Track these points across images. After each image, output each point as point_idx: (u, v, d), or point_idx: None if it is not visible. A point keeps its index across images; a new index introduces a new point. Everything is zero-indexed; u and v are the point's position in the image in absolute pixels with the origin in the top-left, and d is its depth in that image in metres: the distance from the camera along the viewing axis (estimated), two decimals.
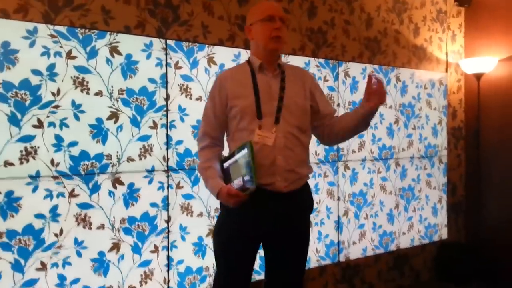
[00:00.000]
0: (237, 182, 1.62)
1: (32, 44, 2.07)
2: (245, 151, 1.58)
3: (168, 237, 2.45)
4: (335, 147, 3.14)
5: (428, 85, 3.74)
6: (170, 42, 2.47)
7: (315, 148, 3.06)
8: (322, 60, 3.09)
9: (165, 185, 2.43)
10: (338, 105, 3.17)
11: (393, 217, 3.50)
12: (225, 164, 1.72)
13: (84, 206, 2.20)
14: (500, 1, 3.69)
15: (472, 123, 3.91)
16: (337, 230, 3.16)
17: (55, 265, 2.12)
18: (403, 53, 3.59)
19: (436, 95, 3.79)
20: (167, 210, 2.45)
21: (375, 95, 1.60)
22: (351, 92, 3.25)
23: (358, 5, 3.33)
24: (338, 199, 3.18)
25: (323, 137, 1.86)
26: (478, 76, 3.67)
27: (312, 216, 3.02)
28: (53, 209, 2.12)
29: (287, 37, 1.65)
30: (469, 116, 3.96)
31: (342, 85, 3.20)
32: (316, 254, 3.05)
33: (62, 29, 2.15)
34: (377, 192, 3.40)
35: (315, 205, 3.04)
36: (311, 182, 3.03)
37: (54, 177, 2.12)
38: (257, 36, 1.70)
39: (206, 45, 2.59)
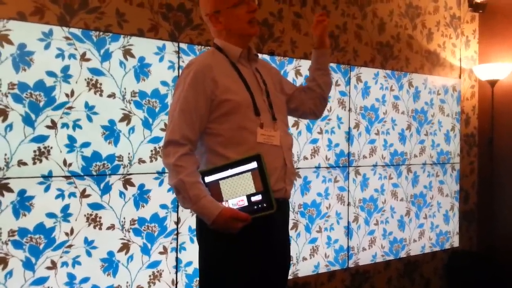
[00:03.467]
0: (235, 202, 1.35)
1: (47, 46, 2.11)
2: (253, 165, 1.32)
3: (177, 239, 2.46)
4: (345, 151, 3.13)
5: (441, 91, 3.70)
6: (182, 45, 2.49)
7: (326, 153, 3.04)
8: (334, 65, 3.08)
9: None
10: (350, 109, 3.16)
11: (404, 223, 3.46)
12: (209, 178, 1.38)
13: (95, 206, 2.22)
14: None
15: (485, 130, 3.85)
16: (347, 235, 3.14)
17: (65, 264, 2.14)
18: (416, 58, 3.57)
19: (449, 101, 3.75)
20: (177, 211, 2.46)
21: (319, 23, 1.61)
22: (363, 97, 3.23)
23: (370, 10, 3.31)
24: (348, 204, 3.15)
25: (310, 111, 1.71)
26: (492, 83, 3.62)
27: (321, 221, 3.01)
28: (65, 209, 2.15)
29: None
30: (483, 123, 3.90)
31: (354, 89, 3.18)
32: (325, 259, 3.03)
33: (77, 31, 2.19)
34: (388, 198, 3.37)
35: (325, 210, 3.03)
36: (322, 186, 3.02)
37: (66, 177, 2.15)
38: (231, 23, 1.44)
39: None
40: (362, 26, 3.27)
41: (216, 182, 1.36)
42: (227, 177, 1.35)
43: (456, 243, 3.79)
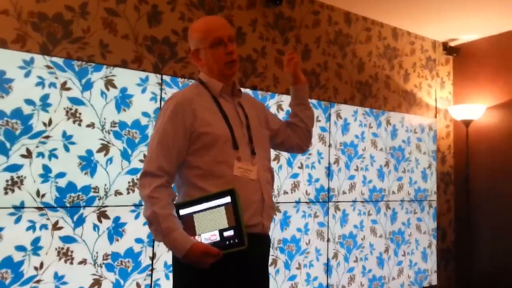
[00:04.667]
0: (207, 237, 1.33)
1: (27, 74, 2.08)
2: (227, 199, 1.31)
3: (151, 275, 2.37)
4: (325, 187, 3.13)
5: (418, 130, 3.80)
6: (166, 77, 2.51)
7: (306, 188, 3.05)
8: (314, 101, 3.14)
9: None
10: (330, 145, 3.19)
11: (383, 261, 3.45)
12: (184, 211, 1.36)
13: (67, 239, 2.13)
14: (487, 51, 3.84)
15: (461, 169, 3.95)
16: (326, 273, 3.10)
17: None
18: (393, 97, 3.68)
19: (425, 140, 3.85)
20: (153, 246, 2.38)
21: (289, 61, 1.67)
22: (343, 133, 3.28)
23: (350, 50, 3.43)
24: (328, 240, 3.13)
25: (296, 145, 1.73)
26: (467, 123, 3.75)
27: (301, 257, 2.97)
28: (35, 242, 2.05)
29: (238, 54, 1.51)
30: (458, 161, 4.01)
31: (334, 126, 3.24)
32: None
33: (59, 60, 2.18)
34: (367, 234, 3.36)
35: (304, 246, 3.00)
36: (302, 222, 3.00)
37: (39, 208, 2.07)
38: (209, 62, 1.47)
39: None
40: (342, 65, 3.38)
41: (190, 216, 1.34)
42: (201, 210, 1.33)
43: (434, 281, 3.78)
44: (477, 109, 3.68)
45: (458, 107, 3.77)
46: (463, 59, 4.04)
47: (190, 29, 1.53)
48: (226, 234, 1.31)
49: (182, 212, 1.35)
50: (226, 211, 1.31)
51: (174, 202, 1.37)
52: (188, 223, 1.34)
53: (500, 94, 3.71)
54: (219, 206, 1.31)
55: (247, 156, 1.43)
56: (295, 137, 1.71)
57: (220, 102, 1.47)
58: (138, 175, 2.26)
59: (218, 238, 1.31)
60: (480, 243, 3.74)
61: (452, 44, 4.04)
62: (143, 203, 1.36)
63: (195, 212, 1.33)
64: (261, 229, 1.43)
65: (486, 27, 3.67)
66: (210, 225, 1.32)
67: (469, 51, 3.99)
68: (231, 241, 1.31)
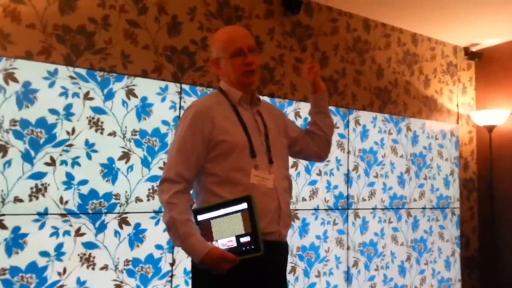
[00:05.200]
0: (224, 242, 1.35)
1: (51, 85, 2.16)
2: (243, 205, 1.33)
3: (171, 281, 2.39)
4: (344, 194, 3.11)
5: (439, 136, 3.73)
6: (185, 86, 2.55)
7: (325, 195, 3.03)
8: (333, 108, 3.13)
9: None
10: (349, 152, 3.17)
11: (404, 269, 3.38)
12: (202, 217, 1.38)
13: (89, 245, 2.18)
14: (510, 55, 3.75)
15: (484, 175, 3.85)
16: (346, 281, 3.06)
17: None
18: (413, 103, 3.63)
19: (447, 146, 3.78)
20: (172, 252, 2.41)
21: (310, 70, 1.68)
22: (361, 140, 3.25)
23: (369, 56, 3.41)
24: (348, 248, 3.10)
25: (315, 153, 1.74)
26: (490, 128, 3.66)
27: (320, 265, 2.95)
28: (58, 247, 2.11)
29: (259, 64, 1.54)
30: (482, 168, 3.91)
31: (353, 132, 3.22)
32: None
33: (82, 71, 2.24)
34: (388, 242, 3.31)
35: (323, 253, 2.97)
36: (320, 229, 2.98)
37: (62, 215, 2.13)
38: (228, 72, 1.50)
39: None
40: (360, 72, 3.36)
41: (207, 221, 1.36)
42: (218, 216, 1.35)
43: None
44: (501, 114, 3.59)
45: (480, 112, 3.69)
46: (486, 64, 3.96)
47: (212, 38, 1.57)
48: (242, 240, 1.32)
49: (200, 217, 1.37)
50: (242, 218, 1.32)
51: (192, 208, 1.39)
52: (206, 228, 1.36)
53: None
54: (235, 212, 1.33)
55: (265, 164, 1.45)
56: (313, 145, 1.72)
57: (239, 110, 1.49)
58: (158, 182, 2.30)
59: (234, 244, 1.33)
60: (505, 250, 3.63)
61: (474, 49, 3.96)
62: (162, 209, 1.38)
63: (212, 218, 1.35)
64: (278, 237, 1.45)
65: (507, 31, 3.59)
66: (227, 231, 1.34)
67: (492, 55, 3.91)
68: (248, 247, 1.32)
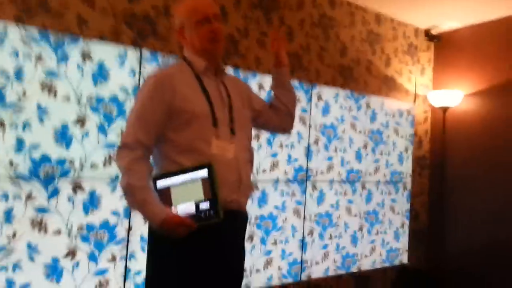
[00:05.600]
0: (183, 208, 1.36)
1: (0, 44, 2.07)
2: (204, 173, 1.35)
3: (127, 247, 2.42)
4: (304, 166, 3.20)
5: (396, 114, 3.87)
6: (145, 53, 2.50)
7: (285, 167, 3.10)
8: (296, 82, 3.17)
9: None
10: (310, 126, 3.24)
11: (356, 239, 3.55)
12: (161, 183, 1.39)
13: (41, 210, 2.16)
14: (468, 39, 3.90)
15: (437, 154, 4.05)
16: (301, 249, 3.19)
17: (3, 269, 2.06)
18: (374, 82, 3.73)
19: (403, 124, 3.93)
20: (129, 218, 2.42)
21: (274, 41, 1.73)
22: (323, 115, 3.33)
23: (333, 33, 3.45)
24: (304, 218, 3.21)
25: (279, 126, 1.78)
26: (444, 109, 3.83)
27: (277, 233, 3.05)
28: (8, 212, 2.07)
29: (224, 33, 1.54)
30: (434, 146, 4.10)
31: (315, 107, 3.28)
32: (278, 272, 3.06)
33: (34, 31, 2.16)
34: (343, 214, 3.46)
35: (281, 223, 3.08)
36: (279, 200, 3.07)
37: (12, 179, 2.09)
38: (193, 40, 1.50)
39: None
40: (325, 48, 3.40)
41: (167, 188, 1.38)
42: (178, 183, 1.37)
43: (405, 260, 3.92)
44: (455, 95, 3.75)
45: (436, 92, 3.84)
46: (444, 46, 4.10)
47: (176, 7, 1.56)
48: (201, 207, 1.35)
49: (159, 184, 1.39)
50: (203, 184, 1.35)
51: (153, 174, 1.41)
52: (165, 195, 1.37)
53: (478, 82, 3.78)
54: (196, 179, 1.35)
55: (227, 135, 1.46)
56: (277, 118, 1.75)
57: (203, 80, 1.49)
58: (115, 149, 2.28)
59: (193, 211, 1.35)
60: (453, 226, 3.87)
61: (434, 31, 4.08)
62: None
63: (172, 185, 1.37)
64: (237, 206, 1.48)
65: (467, 16, 3.72)
66: (187, 198, 1.36)
67: (451, 38, 4.05)
68: (207, 214, 1.35)
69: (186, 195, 1.36)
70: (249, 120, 1.63)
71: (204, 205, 1.35)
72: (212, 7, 1.51)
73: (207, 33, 1.48)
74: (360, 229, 3.59)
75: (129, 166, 1.36)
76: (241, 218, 1.54)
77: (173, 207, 1.37)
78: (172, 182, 1.37)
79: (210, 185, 1.35)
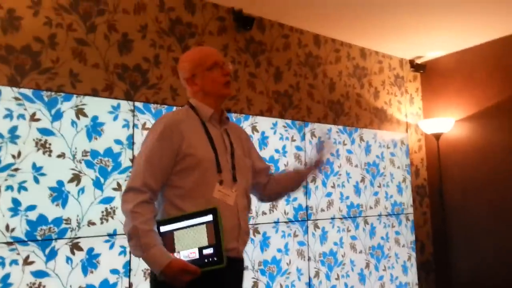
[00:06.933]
0: (186, 254, 1.35)
1: None
2: (209, 218, 1.34)
3: None
4: (303, 205, 3.15)
5: (391, 145, 3.89)
6: (138, 104, 2.51)
7: (284, 207, 3.06)
8: (289, 121, 3.19)
9: (127, 250, 2.34)
10: (306, 164, 3.22)
11: (364, 277, 3.45)
12: (164, 228, 1.38)
13: (39, 274, 2.07)
14: (453, 66, 4.00)
15: (434, 181, 4.04)
16: None
17: None
18: (365, 114, 3.77)
19: (398, 154, 3.94)
20: (129, 276, 2.33)
21: (322, 158, 1.77)
22: (318, 152, 3.32)
23: (321, 71, 3.52)
24: (309, 259, 3.13)
25: (263, 195, 1.77)
26: (437, 136, 3.87)
27: (282, 278, 2.95)
28: (5, 278, 1.98)
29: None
30: (432, 174, 4.10)
31: (309, 144, 3.29)
32: None
33: (28, 91, 2.16)
34: (347, 251, 3.38)
35: (285, 266, 2.99)
36: (281, 242, 3.00)
37: (8, 243, 2.01)
38: (207, 85, 1.54)
39: (174, 107, 2.65)
40: (314, 86, 3.45)
41: (170, 233, 1.36)
42: (182, 228, 1.36)
43: None
44: (446, 123, 3.80)
45: (428, 121, 3.89)
46: (430, 75, 4.20)
47: (182, 59, 1.60)
48: (205, 252, 1.33)
49: (163, 229, 1.37)
50: (207, 229, 1.34)
51: (156, 219, 1.39)
52: (168, 240, 1.36)
53: (468, 107, 3.85)
54: (200, 224, 1.35)
55: (229, 181, 1.48)
56: (269, 188, 1.75)
57: (208, 127, 1.53)
58: (112, 204, 2.24)
59: (197, 256, 1.33)
60: (457, 253, 3.80)
61: (418, 61, 4.19)
62: (124, 218, 1.37)
63: (175, 229, 1.36)
64: (236, 253, 1.47)
65: (450, 44, 3.84)
66: (190, 243, 1.35)
67: (436, 67, 4.15)
68: (210, 259, 1.33)
69: (190, 240, 1.35)
70: (250, 168, 1.64)
71: (208, 250, 1.34)
72: (219, 54, 1.60)
73: (221, 76, 1.55)
74: (367, 266, 3.50)
75: (135, 209, 1.35)
76: (239, 266, 1.53)
77: (175, 253, 1.35)
78: (175, 227, 1.36)
79: (214, 230, 1.33)
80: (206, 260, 1.33)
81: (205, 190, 1.42)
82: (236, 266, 1.49)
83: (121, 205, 1.40)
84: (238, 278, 1.53)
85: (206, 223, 1.34)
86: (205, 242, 1.33)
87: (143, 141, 1.49)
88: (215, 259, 1.32)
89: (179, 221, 1.36)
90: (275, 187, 1.75)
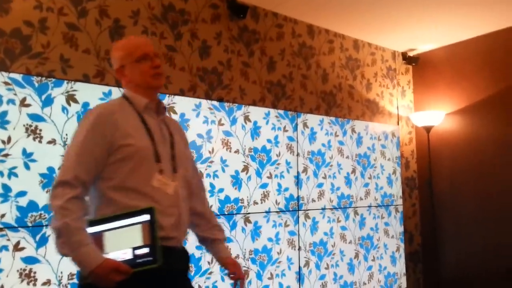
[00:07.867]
0: (118, 255, 1.29)
1: None
2: (146, 217, 1.30)
3: None
4: (294, 195, 3.17)
5: (382, 137, 3.92)
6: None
7: (276, 197, 3.07)
8: (281, 111, 3.19)
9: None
10: (298, 154, 3.24)
11: (353, 266, 3.50)
12: (95, 229, 1.30)
13: (29, 260, 2.06)
14: (444, 60, 4.04)
15: (424, 173, 4.09)
16: (299, 281, 3.11)
17: None
18: (357, 106, 3.79)
19: (389, 146, 3.97)
20: None
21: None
22: (310, 142, 3.34)
23: (314, 62, 3.52)
24: (299, 249, 3.16)
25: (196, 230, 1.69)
26: (428, 129, 3.90)
27: (272, 267, 2.98)
28: None
29: (163, 70, 1.55)
30: (421, 166, 4.15)
31: (301, 135, 3.30)
32: None
33: (17, 76, 2.13)
34: (337, 241, 3.42)
35: (276, 255, 3.01)
36: (272, 232, 3.02)
37: None
38: (135, 76, 1.49)
39: (167, 95, 2.63)
40: (307, 76, 3.45)
41: (99, 234, 1.30)
42: (114, 228, 1.30)
43: (404, 284, 3.87)
44: (437, 116, 3.84)
45: (419, 114, 3.92)
46: (422, 68, 4.23)
47: (113, 48, 1.55)
48: (139, 252, 1.29)
49: (92, 229, 1.30)
50: (142, 229, 1.30)
51: (88, 218, 1.33)
52: (97, 240, 1.29)
53: (458, 101, 3.89)
54: (135, 224, 1.30)
55: (168, 171, 1.44)
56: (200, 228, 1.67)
57: (144, 117, 1.47)
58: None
59: (129, 256, 1.29)
60: (447, 245, 3.87)
61: (411, 54, 4.22)
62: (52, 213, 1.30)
63: (106, 230, 1.30)
64: (177, 242, 1.45)
65: (442, 38, 3.86)
66: (122, 243, 1.29)
67: (427, 60, 4.18)
68: (144, 259, 1.29)
69: (122, 240, 1.29)
70: (191, 158, 1.62)
71: (142, 250, 1.29)
72: (150, 45, 1.54)
73: (149, 69, 1.48)
74: (356, 256, 3.54)
75: (66, 205, 1.26)
76: (183, 255, 1.51)
77: (104, 254, 1.28)
78: (106, 228, 1.30)
79: (150, 229, 1.30)
80: (139, 260, 1.29)
81: (141, 181, 1.37)
82: (180, 256, 1.47)
83: (50, 199, 1.31)
84: (183, 267, 1.50)
85: (142, 222, 1.30)
86: (139, 242, 1.29)
87: (74, 132, 1.41)
88: (150, 258, 1.29)
89: (111, 221, 1.30)
90: (198, 218, 1.65)
